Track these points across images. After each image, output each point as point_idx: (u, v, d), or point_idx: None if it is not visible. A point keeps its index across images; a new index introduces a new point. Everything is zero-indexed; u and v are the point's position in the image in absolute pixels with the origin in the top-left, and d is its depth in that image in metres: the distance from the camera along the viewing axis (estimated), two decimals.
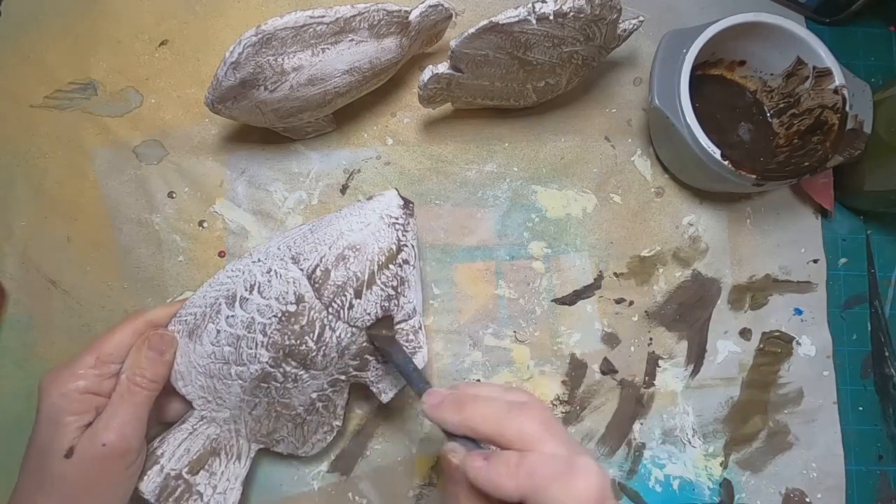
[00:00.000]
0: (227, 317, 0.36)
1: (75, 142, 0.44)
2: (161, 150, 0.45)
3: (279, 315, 0.35)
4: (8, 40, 0.45)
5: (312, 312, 0.35)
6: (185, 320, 0.37)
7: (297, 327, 0.35)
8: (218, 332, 0.36)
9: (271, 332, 0.35)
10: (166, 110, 0.45)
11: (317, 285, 0.35)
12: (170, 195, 0.44)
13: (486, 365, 0.44)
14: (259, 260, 0.37)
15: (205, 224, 0.44)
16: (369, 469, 0.42)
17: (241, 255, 0.44)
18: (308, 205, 0.44)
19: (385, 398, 0.39)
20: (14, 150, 0.44)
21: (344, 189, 0.45)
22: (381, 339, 0.36)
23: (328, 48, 0.38)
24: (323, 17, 0.37)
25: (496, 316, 0.44)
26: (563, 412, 0.43)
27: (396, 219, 0.37)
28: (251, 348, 0.35)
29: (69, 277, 0.43)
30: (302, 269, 0.35)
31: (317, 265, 0.35)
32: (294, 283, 0.35)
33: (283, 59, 0.37)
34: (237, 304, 0.36)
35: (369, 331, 0.37)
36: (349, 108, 0.44)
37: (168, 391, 0.37)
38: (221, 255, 0.44)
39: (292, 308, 0.35)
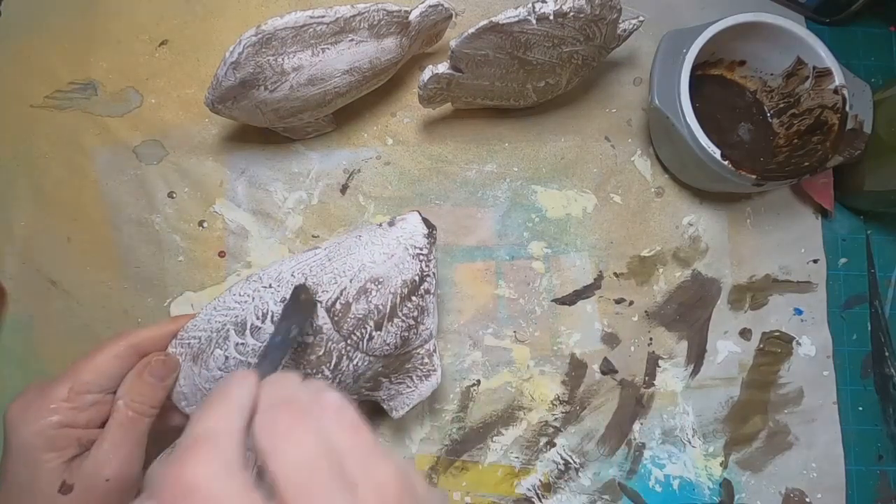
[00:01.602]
0: (237, 344, 0.34)
1: (75, 142, 0.44)
2: (161, 150, 0.45)
3: (294, 346, 0.34)
4: (8, 40, 0.45)
5: (330, 344, 0.34)
6: (189, 343, 0.35)
7: (313, 357, 0.34)
8: (227, 357, 0.34)
9: (286, 362, 0.34)
10: (166, 110, 0.45)
11: (336, 318, 0.34)
12: (170, 195, 0.44)
13: (486, 365, 0.44)
14: (270, 286, 0.35)
15: (205, 224, 0.44)
16: None
17: (241, 256, 0.44)
18: (308, 205, 0.44)
19: (396, 415, 0.38)
20: (14, 150, 0.44)
21: (344, 189, 0.45)
22: (296, 303, 0.33)
23: (328, 48, 0.38)
24: (323, 17, 0.37)
25: (496, 316, 0.44)
26: (562, 412, 0.43)
27: (420, 249, 0.35)
28: None
29: (69, 277, 0.43)
30: (320, 302, 0.34)
31: (337, 298, 0.34)
32: None
33: (283, 59, 0.37)
34: (248, 332, 0.34)
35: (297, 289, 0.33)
36: (349, 108, 0.44)
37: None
38: (221, 255, 0.44)
39: (309, 339, 0.34)
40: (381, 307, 0.34)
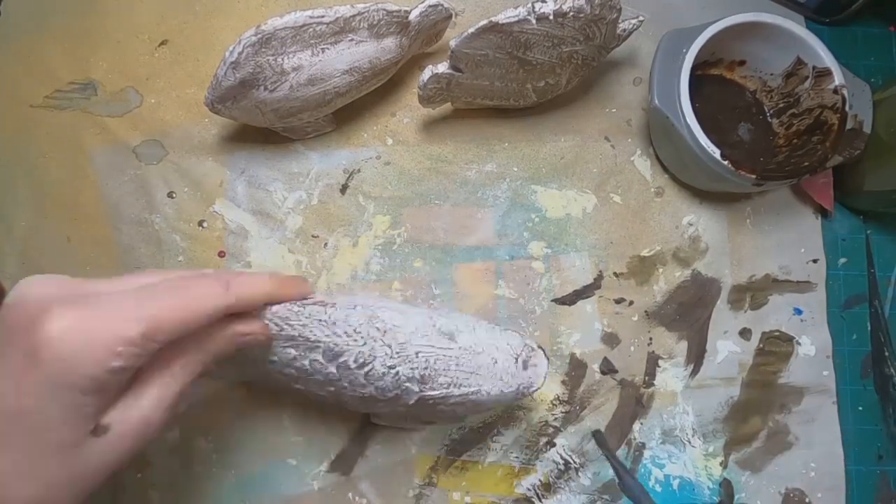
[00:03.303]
0: (314, 360, 0.33)
1: (75, 142, 0.44)
2: (161, 150, 0.45)
3: (365, 395, 0.34)
4: (8, 40, 0.45)
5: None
6: (276, 325, 0.33)
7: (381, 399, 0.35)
8: (295, 357, 0.34)
9: (349, 391, 0.34)
10: (166, 110, 0.45)
11: (419, 398, 0.34)
12: (170, 195, 0.44)
13: None
14: (390, 346, 0.33)
15: (205, 224, 0.44)
16: (369, 469, 0.42)
17: (241, 256, 0.44)
18: (308, 205, 0.44)
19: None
20: (14, 150, 0.44)
21: (344, 189, 0.45)
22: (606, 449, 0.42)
23: (328, 48, 0.38)
24: (323, 16, 0.37)
25: (496, 316, 0.44)
26: (562, 412, 0.43)
27: (527, 392, 0.35)
28: (320, 390, 0.35)
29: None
30: (420, 391, 0.34)
31: (434, 397, 0.34)
32: (405, 390, 0.34)
33: (282, 59, 0.37)
34: (336, 365, 0.33)
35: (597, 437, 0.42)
36: (349, 108, 0.44)
37: None
38: (221, 255, 0.44)
39: (390, 394, 0.34)
40: (454, 410, 0.35)
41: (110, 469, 0.27)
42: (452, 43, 0.38)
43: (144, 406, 0.27)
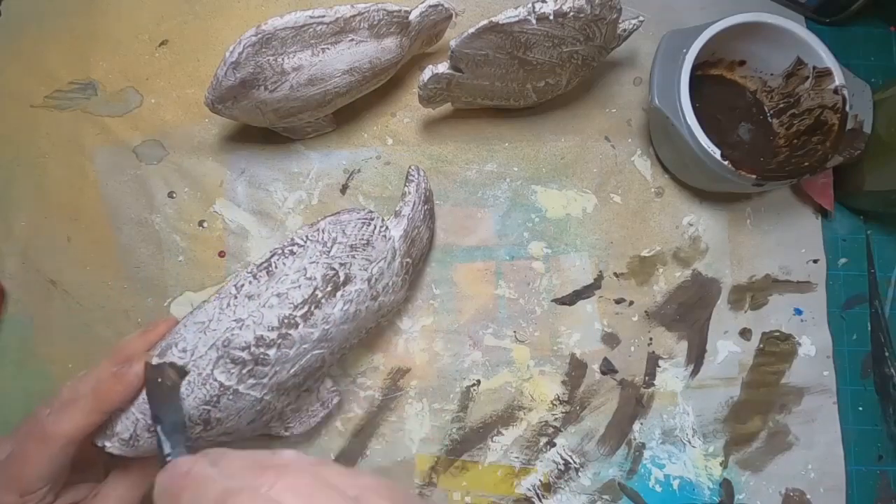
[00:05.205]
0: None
1: (75, 142, 0.44)
2: (161, 150, 0.45)
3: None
4: (8, 40, 0.45)
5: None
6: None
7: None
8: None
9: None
10: (166, 110, 0.45)
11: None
12: (170, 195, 0.44)
13: (486, 365, 0.44)
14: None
15: (205, 224, 0.44)
16: (369, 469, 0.42)
17: (241, 256, 0.44)
18: (308, 205, 0.44)
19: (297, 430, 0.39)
20: (14, 150, 0.44)
21: (344, 189, 0.45)
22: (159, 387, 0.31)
23: (328, 48, 0.38)
24: (323, 17, 0.37)
25: (496, 316, 0.44)
26: (562, 412, 0.43)
27: None
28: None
29: (69, 277, 0.43)
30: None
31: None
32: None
33: (283, 59, 0.37)
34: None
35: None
36: (349, 108, 0.44)
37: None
38: (221, 255, 0.44)
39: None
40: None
41: None
42: (452, 43, 0.38)
43: None
